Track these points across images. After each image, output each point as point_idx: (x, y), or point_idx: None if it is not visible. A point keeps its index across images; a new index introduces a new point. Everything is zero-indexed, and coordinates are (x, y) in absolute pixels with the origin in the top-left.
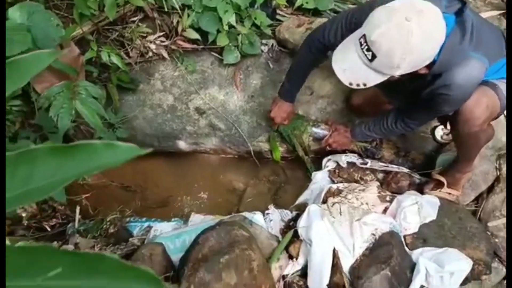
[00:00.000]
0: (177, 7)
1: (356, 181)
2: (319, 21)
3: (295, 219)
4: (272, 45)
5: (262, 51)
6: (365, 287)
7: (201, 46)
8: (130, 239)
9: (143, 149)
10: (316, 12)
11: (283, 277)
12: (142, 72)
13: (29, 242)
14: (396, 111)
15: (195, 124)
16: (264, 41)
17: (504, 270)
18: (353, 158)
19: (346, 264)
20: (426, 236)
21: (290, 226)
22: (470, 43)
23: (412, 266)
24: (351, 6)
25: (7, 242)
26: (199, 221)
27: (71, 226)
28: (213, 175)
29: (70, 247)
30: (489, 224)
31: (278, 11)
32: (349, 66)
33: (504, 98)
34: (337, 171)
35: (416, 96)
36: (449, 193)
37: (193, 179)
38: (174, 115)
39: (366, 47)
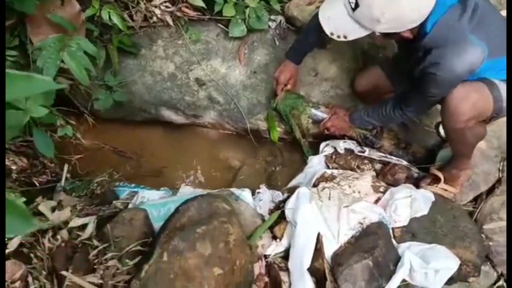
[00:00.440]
0: None
1: (352, 169)
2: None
3: (286, 201)
4: (280, 21)
5: (269, 27)
6: (345, 274)
7: (207, 16)
8: (114, 202)
9: (59, 83)
10: None
11: (265, 256)
12: (145, 37)
13: (14, 195)
14: (394, 98)
15: (194, 95)
16: (272, 17)
17: (495, 275)
18: (351, 145)
19: (330, 250)
20: (416, 230)
21: (280, 207)
22: (469, 23)
23: (397, 260)
24: None
25: None
26: (188, 193)
27: (60, 184)
28: (209, 150)
29: (53, 203)
30: (485, 226)
31: None
32: (333, 14)
33: (501, 100)
34: (334, 156)
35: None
36: (446, 190)
37: (190, 152)
38: (173, 83)
39: None
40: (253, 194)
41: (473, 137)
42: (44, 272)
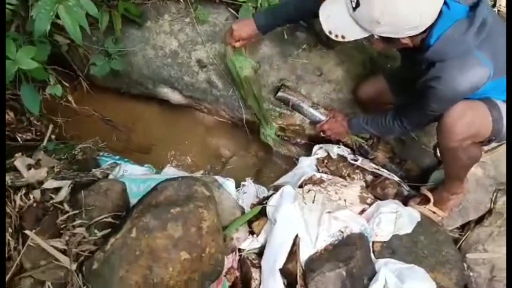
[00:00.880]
0: None
1: (342, 176)
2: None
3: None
4: None
5: None
6: (316, 280)
7: None
8: (93, 170)
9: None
10: None
11: (239, 250)
12: (152, 9)
13: None
14: (395, 109)
15: (194, 76)
16: None
17: None
18: (345, 152)
19: (305, 253)
20: (396, 248)
21: (263, 203)
22: (476, 38)
23: (373, 274)
24: None
25: None
26: (172, 174)
27: (42, 144)
28: (202, 135)
29: (31, 161)
30: (468, 255)
31: None
32: (333, 13)
33: (501, 123)
34: (325, 161)
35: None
36: (434, 212)
37: (182, 134)
38: (174, 61)
39: None
40: (238, 186)
41: (467, 158)
42: (10, 230)
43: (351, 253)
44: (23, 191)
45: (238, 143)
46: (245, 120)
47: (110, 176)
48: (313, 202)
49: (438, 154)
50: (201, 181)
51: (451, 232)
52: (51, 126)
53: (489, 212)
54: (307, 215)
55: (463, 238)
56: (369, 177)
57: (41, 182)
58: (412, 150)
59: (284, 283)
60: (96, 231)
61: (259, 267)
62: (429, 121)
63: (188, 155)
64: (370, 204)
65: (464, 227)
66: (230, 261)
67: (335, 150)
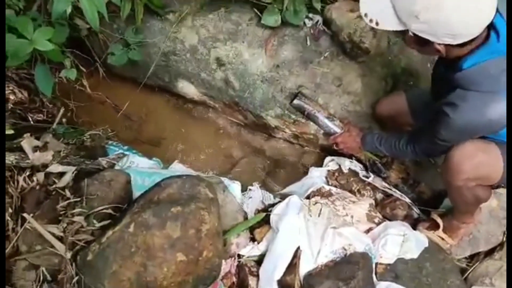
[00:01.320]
0: None
1: (352, 192)
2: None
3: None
4: (317, 22)
5: (304, 24)
6: None
7: None
8: (99, 159)
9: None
10: None
11: (239, 256)
12: (176, 2)
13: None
14: (411, 132)
15: (211, 74)
16: (310, 15)
17: None
18: (357, 167)
19: (305, 267)
20: (400, 272)
21: (268, 210)
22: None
23: None
24: None
25: None
26: (179, 170)
27: (52, 126)
28: (214, 134)
29: (38, 143)
30: None
31: None
32: None
33: None
34: (336, 174)
35: None
36: (443, 239)
37: (193, 131)
38: (193, 56)
39: None
40: (245, 190)
41: (473, 198)
42: (10, 210)
43: (352, 272)
44: (27, 173)
45: (250, 145)
46: (258, 123)
47: (116, 167)
48: (318, 216)
49: None
50: (206, 181)
51: (458, 261)
52: (62, 109)
53: (501, 245)
54: (311, 228)
55: (471, 269)
56: (379, 195)
57: (45, 165)
58: (427, 172)
59: None
60: (94, 221)
61: (257, 276)
62: (439, 151)
63: (197, 152)
64: (377, 224)
65: (472, 258)
66: (228, 265)
67: (347, 164)
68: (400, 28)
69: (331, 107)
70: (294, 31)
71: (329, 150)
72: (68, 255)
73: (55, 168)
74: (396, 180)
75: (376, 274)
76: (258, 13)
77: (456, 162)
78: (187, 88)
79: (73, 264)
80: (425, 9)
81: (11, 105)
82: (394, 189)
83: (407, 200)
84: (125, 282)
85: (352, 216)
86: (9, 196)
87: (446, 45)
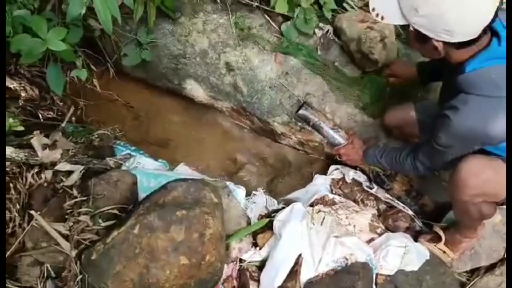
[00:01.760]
0: None
1: (355, 201)
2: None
3: (279, 211)
4: (328, 31)
5: (314, 33)
6: None
7: (255, 4)
8: (107, 158)
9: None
10: None
11: (240, 260)
12: (188, 6)
13: (14, 121)
14: (411, 147)
15: (220, 78)
16: (321, 25)
17: None
18: (361, 178)
19: (306, 275)
20: (400, 284)
21: (271, 216)
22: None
23: None
24: None
25: None
26: (184, 172)
27: (61, 125)
28: (221, 138)
29: (47, 141)
30: None
31: (347, 0)
32: None
33: None
34: (340, 183)
35: None
36: (444, 252)
37: (200, 133)
38: (203, 60)
39: None
40: (249, 194)
41: (478, 214)
42: (18, 206)
43: (352, 282)
44: (36, 170)
45: (255, 150)
46: (265, 129)
47: (123, 167)
48: (321, 224)
49: None
50: (211, 186)
51: (459, 275)
52: (72, 108)
53: (502, 261)
54: (314, 236)
55: (471, 284)
56: (382, 206)
57: (54, 164)
58: (430, 185)
59: None
60: (100, 221)
61: (258, 281)
62: (442, 165)
63: (203, 155)
64: (379, 234)
65: (473, 272)
66: (230, 269)
67: (351, 174)
68: (402, 22)
69: (337, 116)
70: (304, 40)
71: (334, 158)
72: (73, 253)
73: (63, 166)
74: (399, 192)
75: (376, 285)
76: (269, 19)
77: (464, 177)
78: (195, 90)
79: (78, 263)
80: (425, 2)
81: (22, 102)
82: (397, 201)
83: (410, 212)
84: (128, 282)
85: (354, 226)
86: (17, 192)
87: (445, 45)
